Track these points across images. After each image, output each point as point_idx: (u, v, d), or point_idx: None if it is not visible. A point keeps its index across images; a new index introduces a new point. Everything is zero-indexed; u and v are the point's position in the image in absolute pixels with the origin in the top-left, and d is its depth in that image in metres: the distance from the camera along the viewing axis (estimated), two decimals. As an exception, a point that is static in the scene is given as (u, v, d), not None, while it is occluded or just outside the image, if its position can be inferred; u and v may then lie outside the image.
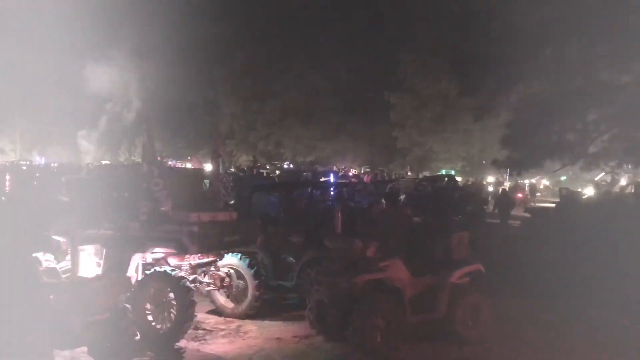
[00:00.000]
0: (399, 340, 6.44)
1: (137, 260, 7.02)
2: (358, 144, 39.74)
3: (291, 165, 36.37)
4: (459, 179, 31.27)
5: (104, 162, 26.98)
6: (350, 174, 37.63)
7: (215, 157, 8.13)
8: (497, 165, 19.37)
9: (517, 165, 15.25)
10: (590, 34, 13.09)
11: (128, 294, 6.10)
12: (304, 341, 6.91)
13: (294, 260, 8.70)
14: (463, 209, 16.22)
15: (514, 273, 10.16)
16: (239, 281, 7.76)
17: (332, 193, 16.97)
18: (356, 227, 8.90)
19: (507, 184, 30.33)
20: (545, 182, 30.84)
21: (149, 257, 7.07)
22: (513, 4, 14.59)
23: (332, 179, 25.50)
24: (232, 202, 10.64)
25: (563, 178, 33.64)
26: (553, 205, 17.25)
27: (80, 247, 5.92)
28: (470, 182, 31.23)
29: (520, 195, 27.93)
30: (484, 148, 32.54)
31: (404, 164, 38.58)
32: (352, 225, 8.98)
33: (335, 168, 39.20)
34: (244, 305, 7.74)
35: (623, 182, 24.12)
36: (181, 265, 7.19)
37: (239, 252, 7.78)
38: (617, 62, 13.60)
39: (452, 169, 34.31)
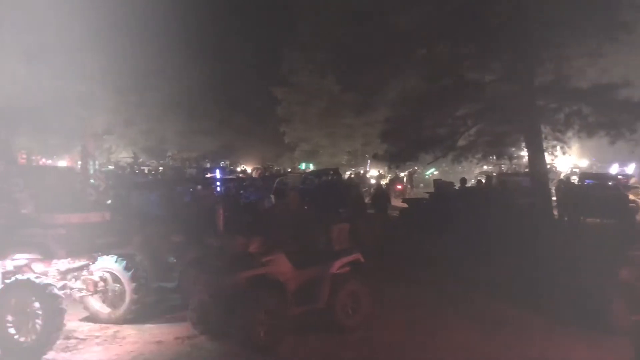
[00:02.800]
0: (283, 333, 6.52)
1: (-5, 269, 6.39)
2: (246, 139, 39.30)
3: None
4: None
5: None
6: (239, 169, 37.32)
7: (84, 155, 7.63)
8: (377, 158, 20.23)
9: (395, 159, 15.99)
10: (457, 36, 14.06)
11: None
12: (187, 342, 6.73)
13: (175, 261, 8.44)
14: (345, 202, 16.81)
15: (391, 260, 10.71)
16: (115, 285, 7.38)
17: (217, 190, 16.70)
18: (243, 223, 8.83)
19: (388, 176, 31.83)
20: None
21: (10, 264, 6.45)
22: (390, 4, 15.27)
23: (218, 175, 25.13)
24: (109, 201, 10.07)
25: (432, 171, 36.21)
26: (427, 195, 18.45)
27: None
28: (352, 175, 32.40)
29: (399, 186, 29.51)
30: (367, 142, 33.79)
31: (292, 159, 39.01)
32: (238, 221, 8.88)
33: (222, 164, 38.57)
34: (122, 309, 7.38)
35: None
36: (48, 271, 6.66)
37: (115, 254, 7.38)
38: (481, 63, 14.77)
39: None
